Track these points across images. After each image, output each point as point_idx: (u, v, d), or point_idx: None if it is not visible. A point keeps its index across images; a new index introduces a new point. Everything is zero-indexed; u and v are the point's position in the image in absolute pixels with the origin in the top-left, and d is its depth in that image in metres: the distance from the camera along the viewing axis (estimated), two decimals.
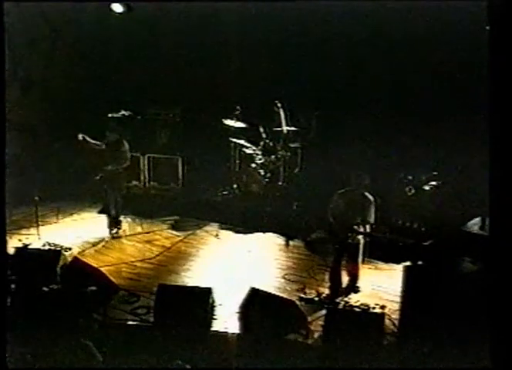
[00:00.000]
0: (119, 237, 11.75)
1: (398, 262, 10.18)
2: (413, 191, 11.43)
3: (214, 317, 8.80)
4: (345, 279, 9.71)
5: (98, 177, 11.60)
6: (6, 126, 7.61)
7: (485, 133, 6.38)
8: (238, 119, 13.10)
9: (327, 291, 9.59)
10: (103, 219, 12.35)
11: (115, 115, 13.99)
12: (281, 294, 9.24)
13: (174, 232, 12.18)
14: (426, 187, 11.42)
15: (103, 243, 11.47)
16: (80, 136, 11.45)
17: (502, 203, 6.11)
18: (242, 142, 13.20)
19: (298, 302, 9.06)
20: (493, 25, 6.24)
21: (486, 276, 6.52)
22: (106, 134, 11.80)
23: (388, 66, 12.29)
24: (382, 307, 8.75)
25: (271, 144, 12.93)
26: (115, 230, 11.93)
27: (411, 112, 12.18)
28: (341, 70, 12.65)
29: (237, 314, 8.72)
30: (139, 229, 12.26)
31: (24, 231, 11.53)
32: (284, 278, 10.23)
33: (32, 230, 11.48)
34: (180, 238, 11.87)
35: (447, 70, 11.80)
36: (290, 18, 12.58)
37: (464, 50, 11.30)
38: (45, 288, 8.83)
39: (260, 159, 12.94)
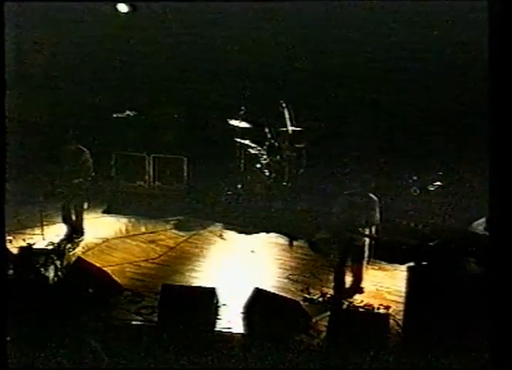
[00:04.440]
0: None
1: (402, 262, 10.16)
2: (418, 192, 11.41)
3: (218, 317, 8.80)
4: (349, 279, 9.71)
5: (59, 190, 11.45)
6: (9, 126, 7.61)
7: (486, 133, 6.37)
8: (243, 120, 13.10)
9: (331, 292, 9.58)
10: (107, 219, 12.39)
11: (120, 115, 14.02)
12: (285, 295, 9.22)
13: (178, 232, 12.16)
14: (431, 188, 11.40)
15: (107, 243, 11.47)
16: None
17: (502, 204, 6.10)
18: (247, 142, 13.19)
19: (302, 302, 9.06)
20: (493, 25, 6.23)
21: (488, 276, 6.51)
22: (63, 147, 11.45)
23: (392, 67, 12.28)
24: (387, 307, 8.73)
25: (276, 144, 12.91)
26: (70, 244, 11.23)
27: (414, 113, 12.19)
28: (346, 70, 12.64)
29: (241, 315, 8.73)
30: (143, 229, 12.24)
31: (28, 231, 11.51)
32: (288, 279, 10.21)
33: (37, 230, 11.48)
34: (184, 238, 11.85)
35: (449, 71, 11.82)
36: (295, 18, 12.59)
37: (465, 51, 11.32)
38: (48, 288, 8.86)
39: (265, 160, 12.93)
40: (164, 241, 11.72)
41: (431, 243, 10.31)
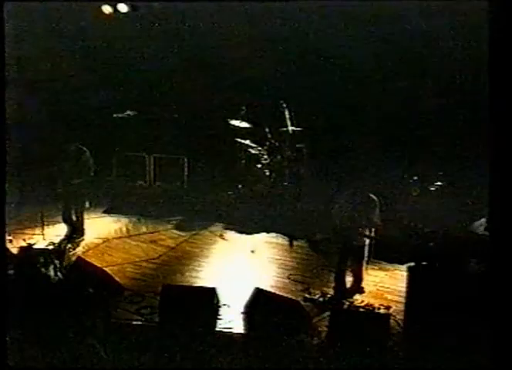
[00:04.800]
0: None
1: (402, 263, 10.15)
2: (418, 191, 11.40)
3: (219, 317, 8.80)
4: (349, 280, 9.70)
5: (60, 190, 11.47)
6: (11, 126, 7.61)
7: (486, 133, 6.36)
8: (244, 120, 13.09)
9: (331, 292, 9.58)
10: (107, 219, 12.40)
11: (120, 115, 14.01)
12: (286, 295, 9.22)
13: (179, 232, 12.16)
14: (432, 188, 11.39)
15: (107, 243, 11.49)
16: None
17: (502, 204, 6.09)
18: (247, 142, 13.18)
19: (302, 302, 9.06)
20: (493, 25, 6.22)
21: (489, 276, 6.50)
22: (64, 147, 11.45)
23: (392, 68, 12.28)
24: (387, 307, 8.72)
25: (276, 144, 12.90)
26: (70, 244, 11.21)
27: (415, 112, 12.19)
28: (347, 70, 12.64)
29: (242, 315, 8.73)
30: (143, 229, 12.25)
31: (29, 231, 11.51)
32: (288, 279, 10.21)
33: (37, 230, 11.47)
34: (184, 238, 11.85)
35: (449, 71, 11.83)
36: (296, 17, 12.59)
37: (465, 52, 11.34)
38: (49, 288, 8.86)
39: (265, 160, 12.92)
40: (165, 241, 11.73)
41: (431, 244, 10.30)
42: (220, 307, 8.90)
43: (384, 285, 9.90)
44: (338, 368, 7.70)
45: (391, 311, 8.55)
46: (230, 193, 13.26)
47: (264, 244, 11.60)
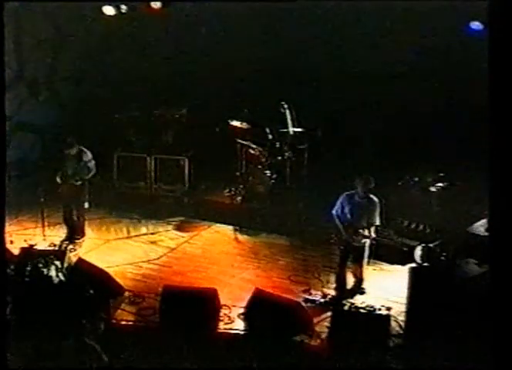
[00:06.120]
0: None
1: (403, 263, 10.15)
2: (420, 193, 11.39)
3: (219, 317, 8.80)
4: (350, 280, 9.70)
5: (61, 191, 11.49)
6: (11, 127, 7.63)
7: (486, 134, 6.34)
8: (245, 120, 13.07)
9: (332, 293, 9.58)
10: (108, 220, 12.42)
11: (121, 115, 14.01)
12: (287, 296, 9.21)
13: (179, 233, 12.16)
14: (433, 189, 11.38)
15: (108, 244, 11.49)
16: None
17: (502, 205, 6.08)
18: (248, 143, 13.16)
19: (303, 303, 9.05)
20: (493, 25, 6.22)
21: (489, 277, 6.50)
22: (65, 150, 11.40)
23: (393, 69, 12.28)
24: (388, 308, 8.70)
25: (277, 145, 12.88)
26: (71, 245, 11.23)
27: (416, 113, 12.20)
28: (347, 71, 12.64)
29: (242, 315, 8.72)
30: (144, 230, 12.25)
31: (29, 232, 11.50)
32: (289, 279, 10.21)
33: (38, 231, 11.46)
34: (185, 239, 11.86)
35: (449, 70, 11.84)
36: (297, 18, 12.60)
37: (465, 50, 11.35)
38: (49, 289, 8.86)
39: (266, 160, 12.90)
40: (165, 242, 11.73)
41: (432, 245, 10.31)
42: (220, 307, 8.89)
43: (385, 286, 9.89)
44: (338, 368, 7.71)
45: (392, 312, 8.54)
46: (231, 193, 13.25)
47: (264, 244, 11.59)
